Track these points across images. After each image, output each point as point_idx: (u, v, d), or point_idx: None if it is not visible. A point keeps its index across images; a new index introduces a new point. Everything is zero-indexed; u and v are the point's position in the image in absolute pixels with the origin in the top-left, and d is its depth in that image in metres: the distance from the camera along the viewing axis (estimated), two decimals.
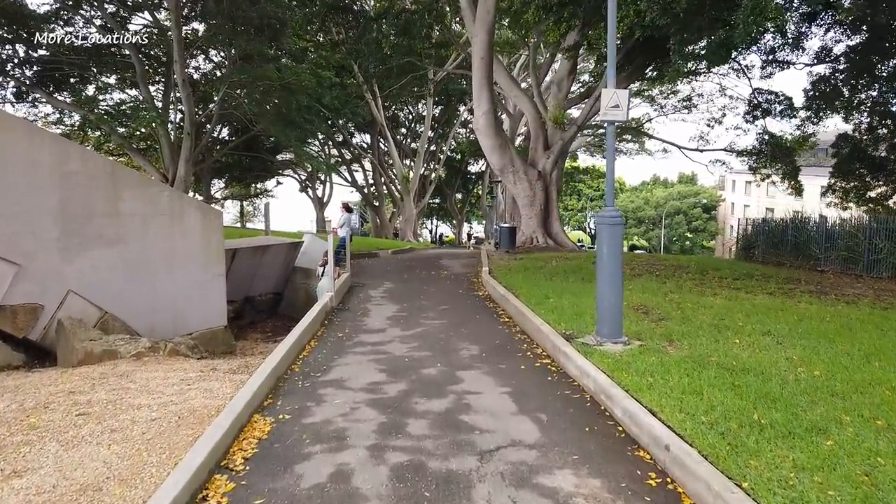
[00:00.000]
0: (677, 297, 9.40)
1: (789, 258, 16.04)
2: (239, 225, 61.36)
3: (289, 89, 29.83)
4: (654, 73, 23.10)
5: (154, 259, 9.69)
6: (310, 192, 52.13)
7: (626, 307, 7.58)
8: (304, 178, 53.08)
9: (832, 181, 22.97)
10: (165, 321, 9.84)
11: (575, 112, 24.71)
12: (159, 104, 34.89)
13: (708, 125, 26.12)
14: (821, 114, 21.55)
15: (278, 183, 57.04)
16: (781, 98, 22.60)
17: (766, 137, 23.19)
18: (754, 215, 56.85)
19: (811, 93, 21.41)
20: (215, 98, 31.65)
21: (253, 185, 56.60)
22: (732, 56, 16.09)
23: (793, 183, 23.08)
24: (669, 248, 57.24)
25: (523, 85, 26.20)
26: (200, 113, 35.16)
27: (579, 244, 34.41)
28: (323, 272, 12.18)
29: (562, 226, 19.96)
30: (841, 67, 20.50)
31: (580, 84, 26.39)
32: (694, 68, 22.71)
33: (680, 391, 4.90)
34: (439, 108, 47.80)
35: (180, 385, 5.87)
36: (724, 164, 27.54)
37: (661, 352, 6.17)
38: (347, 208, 14.94)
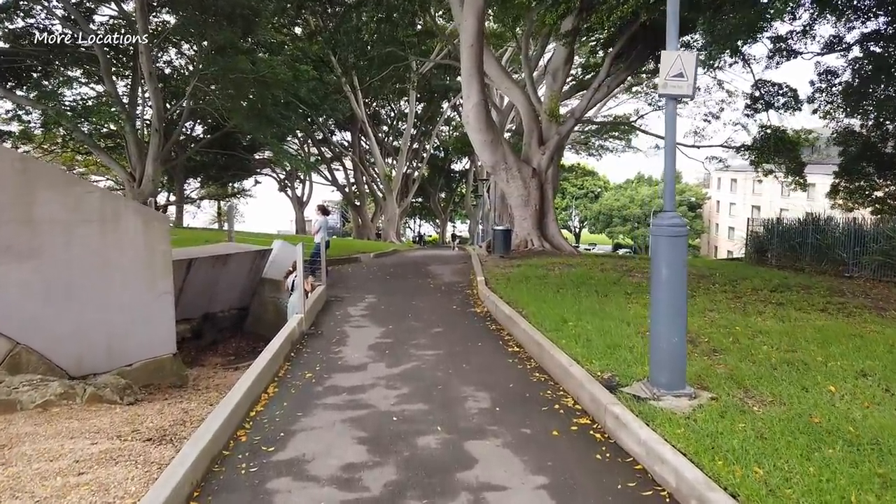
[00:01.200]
0: (720, 318, 7.70)
1: (809, 263, 14.53)
2: (216, 226, 59.03)
3: (264, 83, 27.89)
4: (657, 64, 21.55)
5: (81, 276, 7.76)
6: (289, 191, 50.01)
7: None
8: (283, 177, 50.92)
9: (837, 181, 21.57)
10: (97, 352, 7.91)
11: (574, 102, 22.98)
12: (127, 99, 32.74)
13: (705, 120, 24.73)
14: (827, 107, 20.11)
15: (256, 182, 54.82)
16: (785, 90, 21.16)
17: (769, 131, 21.73)
18: (739, 212, 55.89)
19: (819, 86, 19.97)
20: (187, 92, 29.62)
21: (230, 184, 54.43)
22: (758, 34, 14.46)
23: (797, 178, 21.64)
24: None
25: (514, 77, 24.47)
26: (170, 108, 33.00)
27: (575, 247, 32.30)
28: (292, 286, 10.36)
29: (558, 227, 18.31)
30: (852, 57, 19.06)
31: (571, 78, 24.70)
32: (712, 52, 21.32)
33: (818, 496, 3.17)
34: (422, 104, 45.98)
35: (68, 473, 4.00)
36: (720, 160, 26.07)
37: (745, 410, 4.43)
38: (324, 211, 13.10)
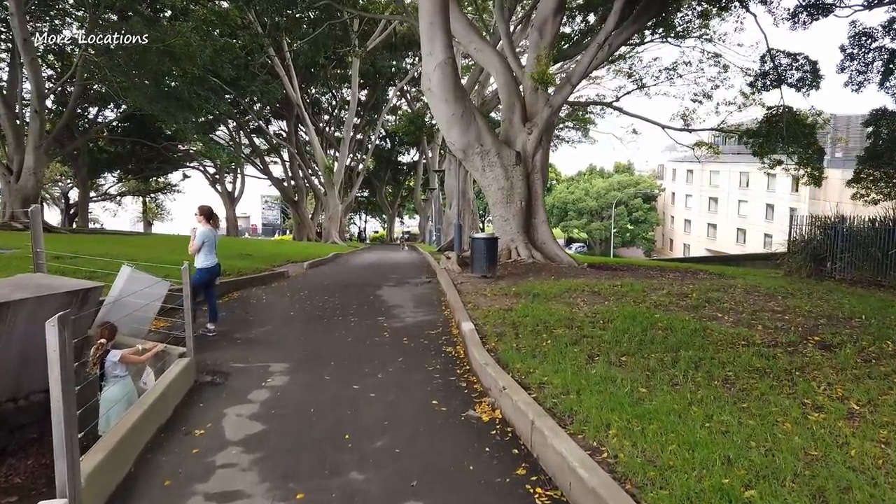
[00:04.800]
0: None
1: (893, 278, 10.42)
2: (141, 229, 51.75)
3: (171, 55, 22.02)
4: (660, 21, 17.26)
5: None
6: (219, 186, 43.72)
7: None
8: (213, 171, 44.45)
9: (860, 167, 17.73)
10: None
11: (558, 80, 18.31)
12: (6, 76, 26.23)
13: (694, 100, 20.69)
14: (860, 78, 16.14)
15: (185, 176, 48.08)
16: (801, 62, 17.10)
17: (779, 112, 17.68)
18: (695, 205, 52.99)
19: (850, 51, 15.98)
20: (74, 65, 23.47)
21: (154, 178, 47.51)
22: None
23: (814, 170, 17.65)
24: (611, 242, 52.51)
25: None
26: (53, 86, 26.62)
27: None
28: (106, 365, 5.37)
29: (551, 229, 13.57)
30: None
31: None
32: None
33: None
34: (366, 90, 40.54)
35: None
36: (710, 146, 21.99)
37: None
38: (208, 215, 7.91)
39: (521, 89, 13.77)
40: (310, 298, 10.37)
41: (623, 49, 20.18)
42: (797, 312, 7.08)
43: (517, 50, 17.13)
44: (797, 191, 40.04)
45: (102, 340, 5.68)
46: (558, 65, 20.49)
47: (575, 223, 54.29)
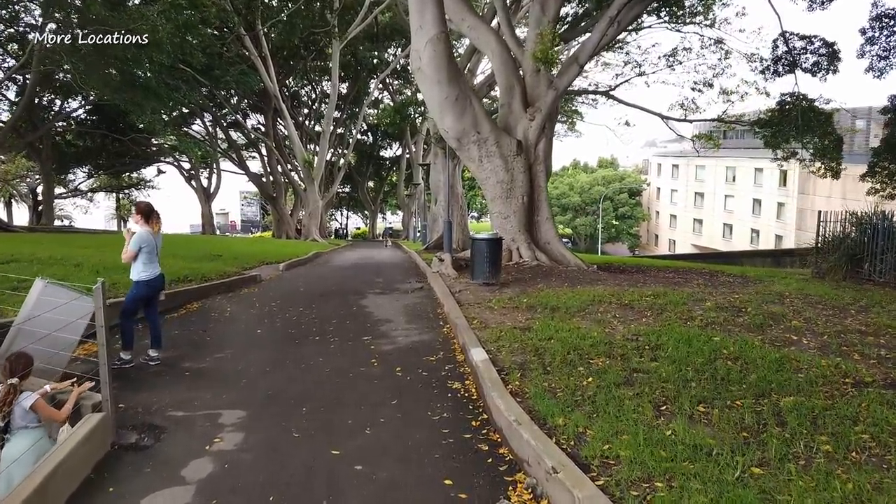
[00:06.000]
0: None
1: None
2: (114, 226, 49.27)
3: (136, 43, 20.15)
4: None
5: None
6: (194, 182, 41.56)
7: None
8: (188, 166, 42.20)
9: (874, 160, 16.50)
10: None
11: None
12: None
13: (694, 89, 19.34)
14: (882, 64, 14.88)
15: (159, 172, 45.75)
16: (817, 45, 15.80)
17: (793, 100, 16.36)
18: (681, 200, 51.89)
19: (870, 34, 14.70)
20: (27, 51, 21.45)
21: (127, 174, 45.14)
22: None
23: (832, 162, 16.35)
24: (596, 237, 51.35)
25: None
26: (5, 74, 24.50)
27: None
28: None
29: (556, 228, 12.02)
30: None
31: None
32: None
33: None
34: (346, 83, 38.68)
35: None
36: (710, 138, 20.66)
37: None
38: (146, 213, 6.22)
39: (521, 72, 12.22)
40: (282, 311, 8.74)
41: (621, 35, 18.72)
42: (892, 333, 5.64)
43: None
44: (785, 185, 39.14)
45: (13, 381, 4.08)
46: (557, 49, 18.99)
47: (560, 219, 53.00)
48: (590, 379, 4.60)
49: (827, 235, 11.27)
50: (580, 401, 4.18)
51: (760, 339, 5.39)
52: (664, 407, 4.02)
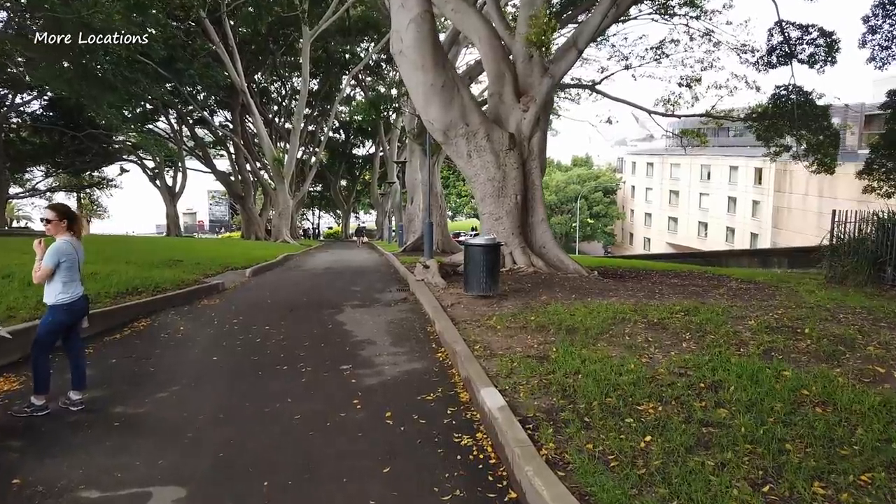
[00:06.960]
0: None
1: None
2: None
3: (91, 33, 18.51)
4: None
5: None
6: (158, 181, 39.45)
7: None
8: (152, 165, 40.02)
9: (873, 157, 15.82)
10: None
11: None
12: None
13: (682, 84, 18.46)
14: (884, 54, 14.14)
15: (122, 170, 43.38)
16: (814, 35, 15.03)
17: (788, 93, 15.60)
18: (656, 198, 51.51)
19: (873, 23, 13.93)
20: None
21: (88, 172, 42.63)
22: None
23: (827, 157, 15.61)
24: (572, 236, 50.70)
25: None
26: None
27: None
28: None
29: (551, 229, 10.86)
30: None
31: None
32: None
33: None
34: (317, 79, 37.09)
35: None
36: (697, 134, 19.81)
37: None
38: (67, 217, 4.85)
39: (512, 57, 11.04)
40: (245, 329, 7.40)
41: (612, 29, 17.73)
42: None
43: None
44: (760, 183, 38.88)
45: None
46: (553, 30, 17.96)
47: None
48: (647, 437, 3.43)
49: (842, 236, 10.36)
50: (646, 477, 3.01)
51: (843, 375, 4.30)
52: (766, 488, 2.87)
